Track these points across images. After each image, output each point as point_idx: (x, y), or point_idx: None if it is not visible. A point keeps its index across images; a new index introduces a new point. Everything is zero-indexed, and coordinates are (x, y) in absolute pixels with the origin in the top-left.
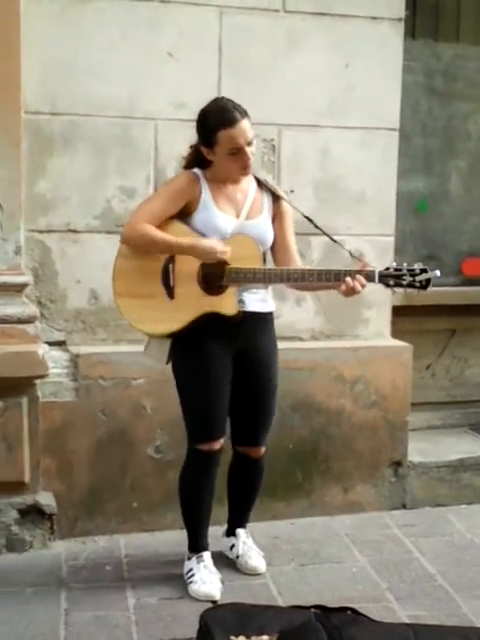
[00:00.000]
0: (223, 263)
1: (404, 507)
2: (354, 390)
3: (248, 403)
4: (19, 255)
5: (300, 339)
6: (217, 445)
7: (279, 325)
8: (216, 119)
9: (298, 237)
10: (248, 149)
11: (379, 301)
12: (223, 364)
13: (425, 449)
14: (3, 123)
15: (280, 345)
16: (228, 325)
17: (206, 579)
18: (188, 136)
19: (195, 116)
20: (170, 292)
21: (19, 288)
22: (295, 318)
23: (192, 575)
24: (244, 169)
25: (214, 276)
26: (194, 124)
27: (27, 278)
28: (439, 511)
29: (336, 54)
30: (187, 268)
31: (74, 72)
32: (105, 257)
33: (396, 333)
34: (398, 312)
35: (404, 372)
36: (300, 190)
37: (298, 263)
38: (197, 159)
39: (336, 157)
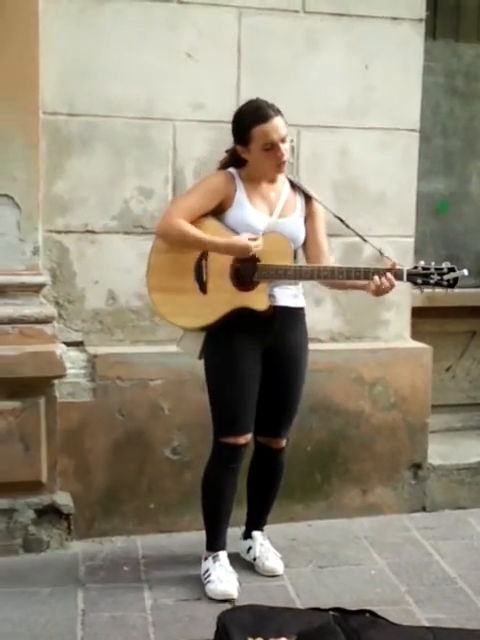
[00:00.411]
0: (255, 259)
1: (424, 510)
2: (373, 392)
3: (274, 396)
4: (37, 255)
5: (319, 340)
6: (243, 439)
7: None
8: (250, 117)
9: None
10: (282, 146)
11: (399, 302)
12: (253, 359)
13: (445, 451)
14: (21, 124)
15: None
16: (259, 320)
17: (223, 578)
18: (206, 137)
19: (214, 117)
20: (203, 287)
21: (37, 288)
22: (314, 319)
23: (209, 575)
24: (279, 166)
25: (246, 272)
26: (214, 125)
27: (45, 278)
28: (459, 514)
29: (355, 55)
30: (220, 264)
31: (92, 73)
32: (123, 258)
33: (416, 335)
34: (418, 314)
35: (424, 374)
36: (319, 191)
37: (330, 261)
38: (232, 162)
39: (355, 158)
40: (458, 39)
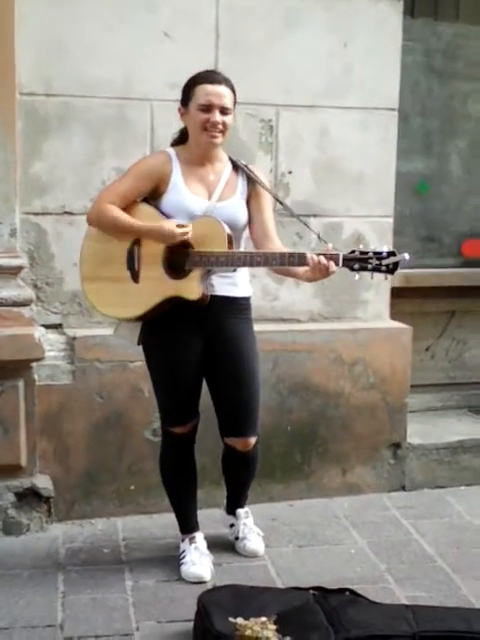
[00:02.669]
0: (187, 246)
1: (403, 489)
2: (353, 372)
3: (226, 392)
4: (14, 238)
5: (298, 321)
6: (186, 428)
7: (277, 307)
8: (199, 76)
9: (295, 219)
10: (219, 115)
11: (378, 283)
12: (191, 348)
13: (424, 431)
14: None
15: (278, 327)
16: (196, 309)
17: (196, 560)
18: None
19: None
20: (135, 276)
21: (15, 271)
22: (293, 300)
23: (183, 557)
24: (207, 132)
25: (178, 260)
26: None
27: (22, 261)
28: (438, 493)
29: (334, 34)
30: (152, 251)
31: (69, 52)
32: None
33: (395, 315)
34: (397, 294)
35: (403, 354)
36: (298, 171)
37: (277, 244)
38: (179, 141)
39: (335, 138)
40: (437, 18)
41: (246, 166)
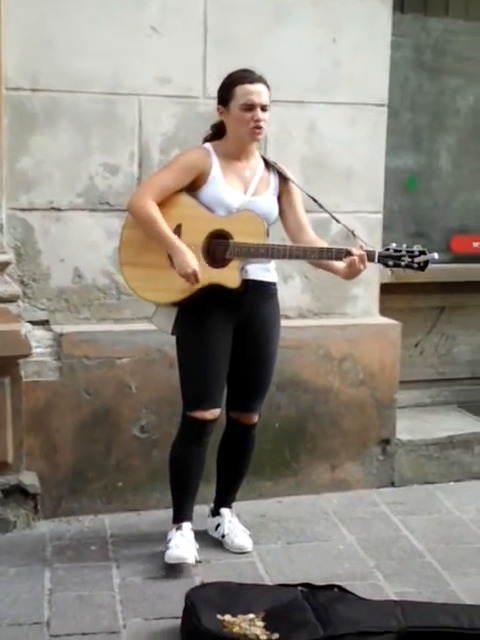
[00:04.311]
0: (228, 237)
1: (392, 485)
2: (342, 368)
3: (246, 371)
4: (1, 233)
5: (287, 317)
6: (210, 414)
7: None
8: (237, 76)
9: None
10: (260, 113)
11: (367, 279)
12: (224, 334)
13: (413, 427)
14: None
15: None
16: (231, 296)
17: (180, 544)
18: (173, 112)
19: (180, 92)
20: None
21: (1, 267)
22: (283, 296)
23: (169, 542)
24: (253, 131)
25: (218, 249)
26: (180, 100)
27: (9, 257)
28: (427, 489)
29: (323, 29)
30: (193, 240)
31: (56, 47)
32: (89, 235)
33: (384, 311)
34: (386, 290)
35: (392, 350)
36: (287, 167)
37: (312, 236)
38: (214, 136)
39: (323, 133)
40: (426, 13)
41: (276, 164)
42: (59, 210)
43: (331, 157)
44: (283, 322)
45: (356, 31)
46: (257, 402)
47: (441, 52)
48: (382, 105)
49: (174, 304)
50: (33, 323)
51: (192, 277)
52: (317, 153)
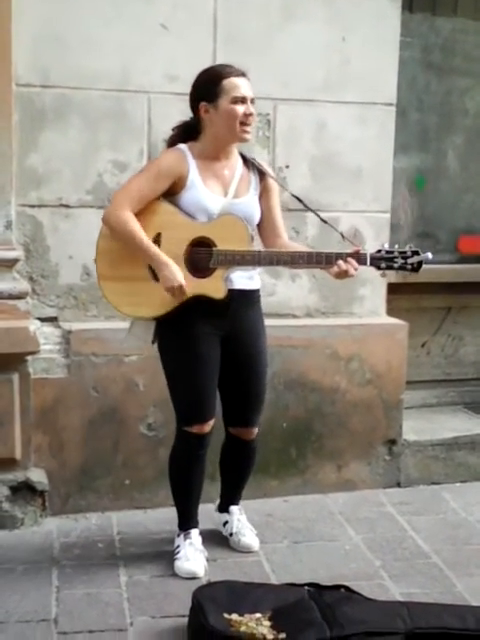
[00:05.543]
0: (211, 245)
1: (398, 485)
2: (349, 368)
3: (238, 384)
4: (10, 230)
5: (294, 316)
6: (207, 427)
7: (273, 302)
8: (220, 70)
9: (293, 214)
10: (251, 107)
11: (374, 278)
12: (212, 345)
13: (420, 427)
14: None
15: (274, 322)
16: (216, 306)
17: (190, 556)
18: (182, 109)
19: (189, 89)
20: (155, 275)
21: (10, 263)
22: (289, 295)
23: (178, 552)
24: (243, 127)
25: (201, 258)
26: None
27: (18, 253)
28: (433, 489)
29: (332, 27)
30: (173, 250)
31: (66, 44)
32: (97, 232)
33: (391, 311)
34: (394, 290)
35: (399, 350)
36: (295, 166)
37: (285, 240)
38: (183, 137)
39: (332, 132)
40: (435, 13)
41: (255, 160)
42: (68, 207)
43: (339, 156)
44: (290, 321)
45: (365, 30)
46: (255, 415)
47: (450, 52)
48: (390, 104)
49: (160, 318)
50: (42, 320)
51: (178, 292)
52: (326, 152)
